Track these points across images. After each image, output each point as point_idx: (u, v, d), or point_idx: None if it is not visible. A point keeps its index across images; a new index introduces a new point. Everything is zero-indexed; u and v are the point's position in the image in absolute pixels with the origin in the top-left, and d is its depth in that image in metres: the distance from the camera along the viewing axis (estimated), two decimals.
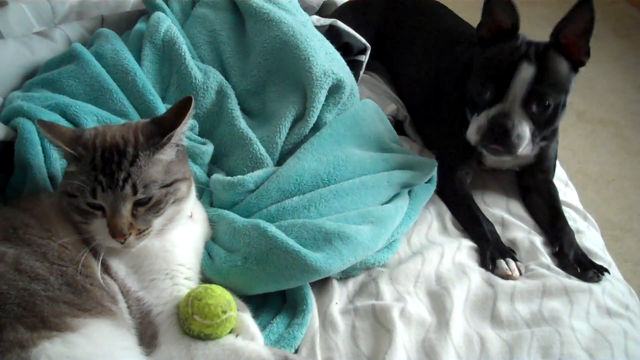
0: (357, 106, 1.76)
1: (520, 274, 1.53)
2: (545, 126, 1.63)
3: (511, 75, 1.57)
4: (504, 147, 1.61)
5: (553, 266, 1.57)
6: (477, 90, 1.64)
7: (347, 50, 1.98)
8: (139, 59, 1.73)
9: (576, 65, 1.62)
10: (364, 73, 2.06)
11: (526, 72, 1.56)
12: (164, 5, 1.88)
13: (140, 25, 1.82)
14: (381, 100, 2.00)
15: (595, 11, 1.52)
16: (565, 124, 3.34)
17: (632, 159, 3.25)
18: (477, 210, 1.69)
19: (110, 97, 1.61)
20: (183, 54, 1.73)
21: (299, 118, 1.68)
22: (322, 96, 1.67)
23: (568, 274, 1.55)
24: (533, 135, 1.61)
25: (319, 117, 1.68)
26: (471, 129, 1.65)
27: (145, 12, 1.95)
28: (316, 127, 1.68)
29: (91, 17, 2.01)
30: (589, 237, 1.71)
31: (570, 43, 1.59)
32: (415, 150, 1.89)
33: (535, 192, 1.79)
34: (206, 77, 1.72)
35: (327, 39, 1.88)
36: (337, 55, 1.81)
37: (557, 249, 1.63)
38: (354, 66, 1.96)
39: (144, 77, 1.67)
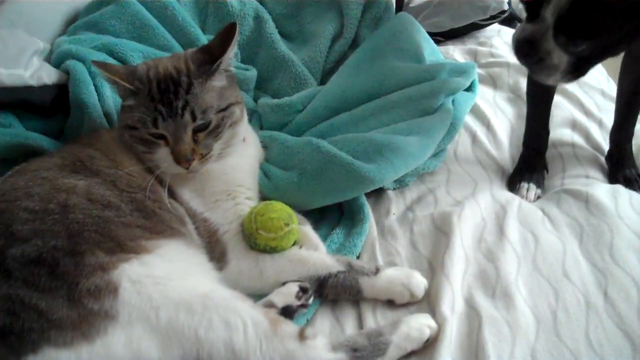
0: (393, 20, 1.77)
1: (537, 198, 1.55)
2: None
3: None
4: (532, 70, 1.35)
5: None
6: None
7: None
8: None
9: None
10: None
11: None
12: None
13: None
14: None
15: None
16: None
17: None
18: (541, 124, 1.63)
19: (153, 33, 1.66)
20: None
21: (338, 36, 1.71)
22: (358, 12, 1.69)
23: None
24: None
25: (356, 33, 1.71)
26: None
27: None
28: (355, 44, 1.71)
29: None
30: None
31: None
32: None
33: (634, 61, 1.52)
34: (242, 5, 1.76)
35: None
36: None
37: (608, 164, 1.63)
38: None
39: (182, 10, 1.71)
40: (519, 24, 1.45)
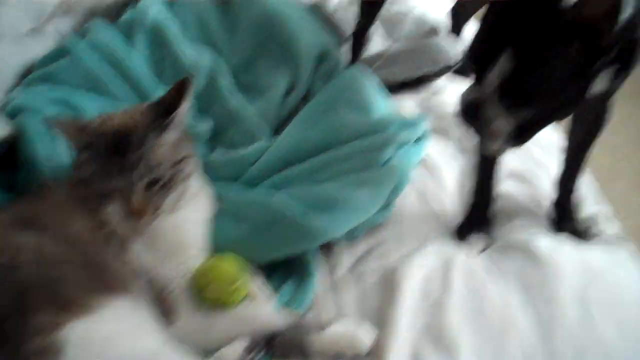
0: (345, 73, 1.81)
1: (485, 249, 1.58)
2: None
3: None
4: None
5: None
6: None
7: None
8: (131, 46, 1.79)
9: None
10: None
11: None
12: None
13: (129, 14, 1.88)
14: None
15: None
16: None
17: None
18: (488, 180, 1.65)
19: (108, 86, 1.67)
20: (173, 37, 1.80)
21: (291, 89, 1.75)
22: (310, 66, 1.74)
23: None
24: None
25: (309, 86, 1.75)
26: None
27: (131, 1, 2.00)
28: (308, 97, 1.75)
29: (79, 11, 2.06)
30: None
31: None
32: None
33: (585, 113, 1.51)
34: (197, 57, 1.79)
35: None
36: (322, 26, 1.88)
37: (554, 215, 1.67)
38: None
39: (138, 63, 1.74)
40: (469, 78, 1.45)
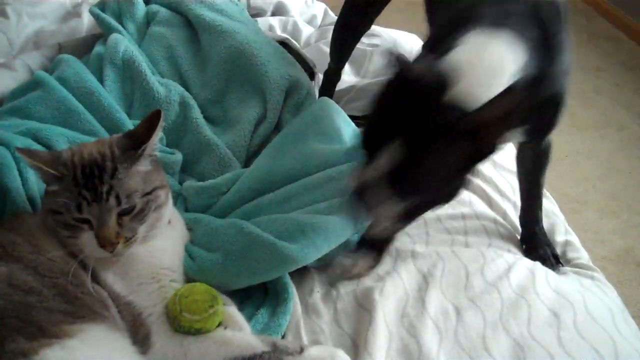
0: (315, 104, 1.84)
1: None
2: None
3: None
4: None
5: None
6: None
7: None
8: (101, 80, 1.80)
9: None
10: None
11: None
12: (120, 27, 1.96)
13: (98, 48, 1.90)
14: None
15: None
16: None
17: (582, 134, 3.39)
18: None
19: (79, 118, 1.68)
20: (143, 71, 1.81)
21: (261, 120, 1.77)
22: (280, 98, 1.76)
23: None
24: None
25: (280, 117, 1.77)
26: None
27: (100, 36, 2.02)
28: (278, 128, 1.77)
29: (48, 46, 2.07)
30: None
31: None
32: None
33: (525, 154, 1.64)
34: (168, 91, 1.80)
35: None
36: (292, 58, 1.90)
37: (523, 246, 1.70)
38: None
39: (108, 96, 1.75)
40: None
